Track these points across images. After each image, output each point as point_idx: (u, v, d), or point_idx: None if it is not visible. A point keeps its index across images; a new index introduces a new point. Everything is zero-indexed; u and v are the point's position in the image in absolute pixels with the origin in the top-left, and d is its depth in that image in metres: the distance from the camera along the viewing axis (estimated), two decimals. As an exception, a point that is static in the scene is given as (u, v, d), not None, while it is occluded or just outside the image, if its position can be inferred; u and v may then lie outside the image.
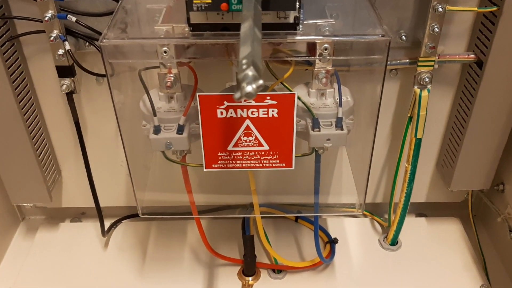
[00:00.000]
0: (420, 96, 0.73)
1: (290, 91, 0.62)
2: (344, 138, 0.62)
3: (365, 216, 0.97)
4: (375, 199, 0.94)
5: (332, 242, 0.86)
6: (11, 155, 0.79)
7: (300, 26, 0.56)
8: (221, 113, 0.59)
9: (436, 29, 0.69)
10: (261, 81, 0.31)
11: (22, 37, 0.73)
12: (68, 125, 0.84)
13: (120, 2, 0.63)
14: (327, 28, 0.59)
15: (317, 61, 0.62)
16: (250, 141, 0.62)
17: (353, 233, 0.92)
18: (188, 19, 0.53)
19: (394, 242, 0.89)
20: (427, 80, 0.73)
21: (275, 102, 0.58)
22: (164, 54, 0.55)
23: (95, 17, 0.71)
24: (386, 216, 0.93)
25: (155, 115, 0.62)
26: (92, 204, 0.96)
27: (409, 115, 0.77)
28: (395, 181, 0.84)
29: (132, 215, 0.96)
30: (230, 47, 0.58)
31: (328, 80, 0.63)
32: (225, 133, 0.61)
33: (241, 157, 0.63)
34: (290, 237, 0.92)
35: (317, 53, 0.60)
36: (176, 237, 0.92)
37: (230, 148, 0.62)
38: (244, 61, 0.31)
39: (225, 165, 0.64)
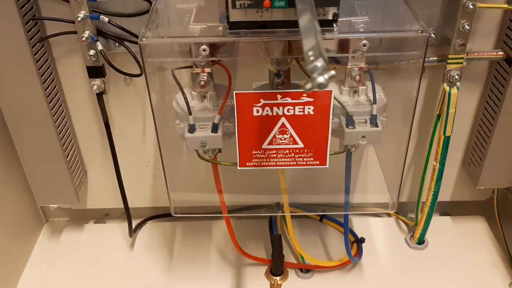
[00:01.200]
0: (449, 93, 0.73)
1: (323, 88, 0.62)
2: (379, 135, 0.62)
3: (389, 215, 0.97)
4: (400, 198, 0.94)
5: (359, 241, 0.86)
6: (39, 157, 0.79)
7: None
8: (257, 111, 0.59)
9: (466, 26, 0.69)
10: (332, 72, 0.31)
11: (51, 38, 0.73)
12: (95, 125, 0.84)
13: (154, 1, 0.63)
14: (361, 25, 0.59)
15: (350, 58, 0.63)
16: (285, 139, 0.62)
17: (379, 233, 0.92)
18: (228, 17, 0.53)
19: (421, 241, 0.89)
20: (456, 77, 0.73)
21: (311, 100, 0.58)
22: (203, 53, 0.55)
23: (125, 18, 0.71)
24: (411, 215, 0.93)
25: (190, 114, 0.62)
26: (116, 205, 0.96)
27: (437, 112, 0.77)
28: (423, 180, 0.83)
29: (157, 216, 0.97)
30: (268, 45, 0.58)
31: (361, 78, 0.63)
32: (260, 131, 0.61)
33: (275, 155, 0.63)
34: (315, 236, 0.91)
35: (351, 50, 0.60)
36: (202, 237, 0.92)
37: (264, 146, 0.62)
38: (310, 53, 0.31)
39: (259, 163, 0.64)
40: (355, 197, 0.90)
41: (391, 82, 0.69)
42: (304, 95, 0.58)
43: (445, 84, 0.74)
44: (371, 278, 0.84)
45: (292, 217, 0.91)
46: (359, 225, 0.93)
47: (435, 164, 0.80)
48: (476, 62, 0.77)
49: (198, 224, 0.94)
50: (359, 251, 0.85)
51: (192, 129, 0.63)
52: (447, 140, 0.77)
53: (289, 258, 0.87)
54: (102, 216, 1.00)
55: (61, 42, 0.75)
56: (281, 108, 0.59)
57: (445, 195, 0.93)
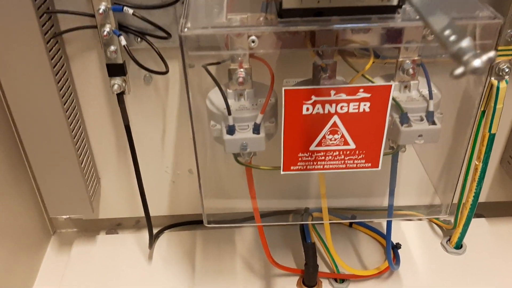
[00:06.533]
0: (498, 87, 0.68)
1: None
2: (437, 133, 0.57)
3: (419, 219, 0.91)
4: (434, 201, 0.89)
5: (395, 247, 0.81)
6: (52, 163, 0.72)
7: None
8: (307, 109, 0.53)
9: (520, 14, 0.63)
10: (492, 53, 0.25)
11: (65, 34, 0.66)
12: (110, 129, 0.78)
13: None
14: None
15: (402, 50, 0.57)
16: (335, 139, 0.56)
17: (413, 237, 0.87)
18: (280, 3, 0.47)
19: (459, 245, 0.84)
20: (506, 70, 0.68)
21: (369, 95, 0.53)
22: (253, 44, 0.49)
23: (147, 10, 0.64)
24: (445, 218, 0.88)
25: (230, 113, 0.56)
26: (129, 214, 0.91)
27: (482, 108, 0.72)
28: (466, 180, 0.78)
29: (174, 225, 0.90)
30: (320, 35, 0.52)
31: (415, 71, 0.58)
32: (308, 131, 0.55)
33: (323, 158, 0.57)
34: (346, 243, 0.86)
35: (405, 40, 0.55)
36: (225, 246, 0.86)
37: (312, 148, 0.57)
38: (447, 32, 0.26)
39: (304, 167, 0.58)
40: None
41: (438, 76, 0.64)
42: (361, 90, 0.52)
43: (492, 78, 0.69)
44: (411, 286, 0.78)
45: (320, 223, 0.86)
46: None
47: (477, 163, 0.76)
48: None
49: (219, 233, 0.88)
50: (396, 258, 0.80)
51: (231, 130, 0.56)
52: (492, 138, 0.73)
53: (321, 267, 0.81)
54: (114, 226, 0.94)
55: (76, 38, 0.68)
56: (334, 105, 0.53)
57: (480, 196, 0.88)
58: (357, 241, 0.86)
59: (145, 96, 0.74)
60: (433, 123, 0.57)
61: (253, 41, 0.49)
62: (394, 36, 0.56)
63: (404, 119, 0.57)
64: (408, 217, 0.80)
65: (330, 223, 0.85)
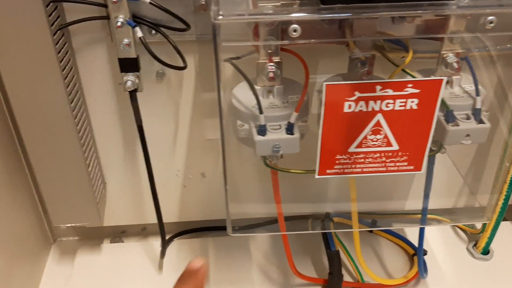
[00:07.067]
0: (536, 84, 0.64)
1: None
2: (486, 133, 0.53)
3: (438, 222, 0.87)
4: (457, 204, 0.84)
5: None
6: (57, 167, 0.66)
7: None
8: (349, 106, 0.48)
9: None
10: None
11: (71, 26, 0.61)
12: (117, 129, 0.72)
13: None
14: (466, 0, 0.49)
15: (446, 42, 0.53)
16: (377, 140, 0.51)
17: (437, 242, 0.82)
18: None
19: (486, 251, 0.80)
20: (546, 65, 0.63)
21: (417, 91, 0.48)
22: (294, 34, 0.44)
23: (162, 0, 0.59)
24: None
25: (261, 112, 0.51)
26: (134, 221, 0.85)
27: (516, 106, 0.68)
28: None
29: (184, 232, 0.85)
30: (360, 25, 0.47)
31: (460, 65, 0.53)
32: (348, 131, 0.51)
33: (362, 160, 0.53)
34: (367, 250, 0.81)
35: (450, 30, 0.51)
36: (239, 254, 0.81)
37: (351, 149, 0.52)
38: None
39: (342, 170, 0.53)
40: (413, 203, 0.81)
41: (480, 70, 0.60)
42: (410, 85, 0.47)
43: (528, 73, 0.65)
44: (440, 295, 0.74)
45: (341, 229, 0.81)
46: (412, 234, 0.83)
47: (508, 165, 0.71)
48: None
49: (232, 240, 0.83)
50: (424, 265, 0.75)
51: (262, 131, 0.51)
52: (527, 138, 0.68)
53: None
54: (118, 234, 0.88)
55: (82, 30, 0.63)
56: (378, 102, 0.48)
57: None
58: (379, 247, 0.82)
59: (157, 94, 0.69)
60: (481, 121, 0.52)
61: (294, 30, 0.44)
62: (441, 26, 0.51)
63: (450, 117, 0.52)
64: (444, 223, 0.75)
65: (346, 227, 0.81)
